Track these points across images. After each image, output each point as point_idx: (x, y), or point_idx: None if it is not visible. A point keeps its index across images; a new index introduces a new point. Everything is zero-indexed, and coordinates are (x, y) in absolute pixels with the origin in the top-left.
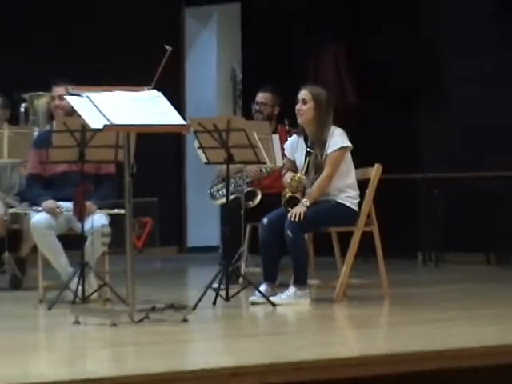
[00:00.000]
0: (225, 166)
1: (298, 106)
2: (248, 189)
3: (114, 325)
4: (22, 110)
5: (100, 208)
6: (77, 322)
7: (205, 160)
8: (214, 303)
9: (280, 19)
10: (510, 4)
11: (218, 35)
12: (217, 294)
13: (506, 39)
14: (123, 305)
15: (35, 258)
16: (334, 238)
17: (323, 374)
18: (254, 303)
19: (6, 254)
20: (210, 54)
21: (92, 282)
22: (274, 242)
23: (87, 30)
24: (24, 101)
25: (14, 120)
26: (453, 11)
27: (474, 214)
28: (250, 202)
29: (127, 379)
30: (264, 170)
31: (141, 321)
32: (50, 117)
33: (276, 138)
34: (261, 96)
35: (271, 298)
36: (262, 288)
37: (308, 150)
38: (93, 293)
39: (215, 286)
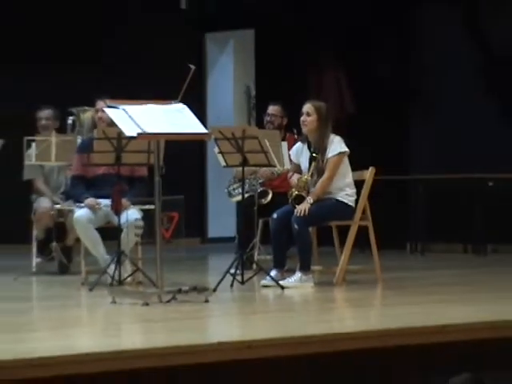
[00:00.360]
0: (240, 169)
1: (302, 118)
2: (260, 188)
3: (146, 304)
4: (70, 121)
5: (134, 204)
6: (113, 302)
7: (223, 163)
8: (231, 286)
9: (287, 43)
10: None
11: (234, 57)
12: (233, 278)
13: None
14: (153, 287)
15: (79, 247)
16: (334, 231)
17: (325, 347)
18: (265, 286)
19: (54, 243)
20: (227, 73)
21: (127, 268)
22: (283, 233)
23: (125, 53)
24: (72, 114)
25: (62, 130)
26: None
27: (454, 210)
28: (263, 200)
29: (156, 350)
30: (274, 172)
31: (168, 301)
32: (94, 127)
33: (284, 144)
34: (271, 109)
35: (280, 282)
36: (272, 273)
37: (313, 155)
38: (127, 277)
39: (232, 271)
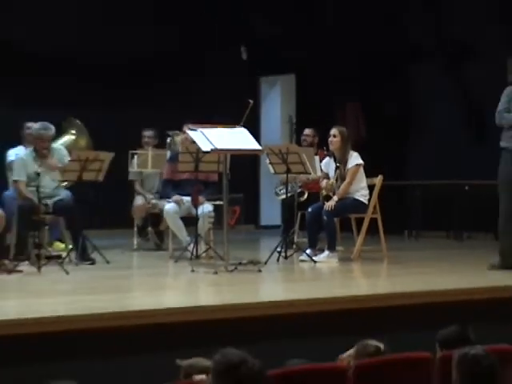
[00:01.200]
0: (285, 175)
1: (330, 139)
2: (299, 190)
3: (215, 273)
4: (168, 141)
5: (208, 200)
6: (192, 271)
7: (272, 171)
8: (278, 260)
9: (319, 85)
10: None
11: (280, 94)
12: (279, 255)
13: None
14: (221, 261)
15: (168, 231)
16: (353, 221)
17: (345, 305)
18: (302, 261)
19: (150, 228)
20: (275, 106)
21: (202, 246)
22: (315, 222)
23: (203, 91)
24: (169, 135)
25: (160, 146)
26: (430, 84)
27: (440, 207)
28: (301, 198)
29: (224, 306)
30: (309, 178)
31: (232, 271)
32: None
33: (317, 158)
34: (306, 131)
35: (313, 258)
36: (307, 251)
37: (337, 165)
38: (202, 253)
39: (278, 249)
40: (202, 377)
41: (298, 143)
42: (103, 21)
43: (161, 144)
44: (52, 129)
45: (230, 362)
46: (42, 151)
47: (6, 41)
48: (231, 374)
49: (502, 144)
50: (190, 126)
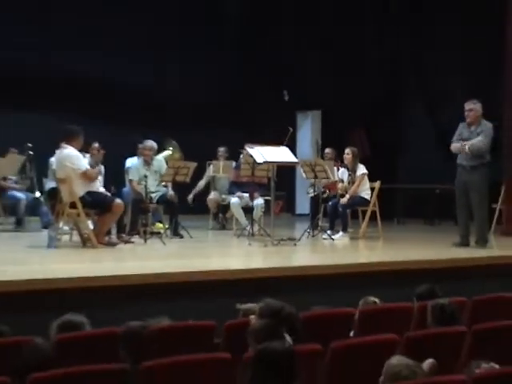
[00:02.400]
0: (313, 179)
1: (344, 155)
2: (322, 189)
3: (265, 246)
4: (241, 156)
5: (260, 196)
6: (249, 244)
7: (304, 176)
8: (307, 237)
9: (336, 117)
10: None
11: (311, 124)
12: (308, 234)
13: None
14: (268, 237)
15: (232, 217)
16: (359, 212)
17: (355, 269)
18: (324, 238)
19: (220, 215)
20: (307, 132)
21: (255, 227)
22: (333, 212)
23: (254, 123)
24: (241, 153)
25: (228, 159)
26: (414, 119)
27: (419, 203)
28: (324, 195)
29: (270, 269)
30: (329, 181)
31: (276, 244)
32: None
33: (334, 168)
34: (328, 150)
35: (332, 236)
36: (328, 232)
37: (349, 174)
38: (256, 232)
39: (308, 230)
40: (254, 317)
41: (322, 158)
42: (180, 60)
43: (228, 157)
44: (154, 145)
45: (273, 308)
46: (147, 160)
47: (114, 80)
48: (274, 316)
49: (458, 161)
50: (249, 145)
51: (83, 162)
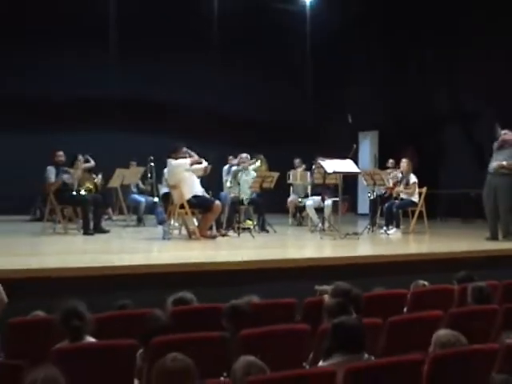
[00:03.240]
0: (373, 185)
1: (401, 163)
2: (383, 191)
3: (334, 239)
4: (313, 167)
5: (329, 198)
6: (321, 238)
7: (365, 183)
8: (368, 232)
9: (391, 136)
10: None
11: (369, 142)
12: (369, 229)
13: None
14: (336, 232)
15: (307, 216)
16: (410, 212)
17: (406, 258)
18: (381, 233)
19: (298, 214)
20: (366, 148)
21: (325, 224)
22: (389, 212)
23: (318, 144)
24: (313, 163)
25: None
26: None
27: (459, 203)
28: (385, 195)
29: (338, 258)
30: (387, 185)
31: (343, 238)
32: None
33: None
34: (391, 160)
35: (387, 232)
36: (384, 228)
37: (402, 177)
38: (326, 228)
39: (368, 227)
40: (327, 296)
41: (380, 169)
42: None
43: (305, 168)
44: (248, 156)
45: (343, 289)
46: (245, 167)
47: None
48: (344, 295)
49: (489, 170)
50: (321, 158)
51: (188, 165)
